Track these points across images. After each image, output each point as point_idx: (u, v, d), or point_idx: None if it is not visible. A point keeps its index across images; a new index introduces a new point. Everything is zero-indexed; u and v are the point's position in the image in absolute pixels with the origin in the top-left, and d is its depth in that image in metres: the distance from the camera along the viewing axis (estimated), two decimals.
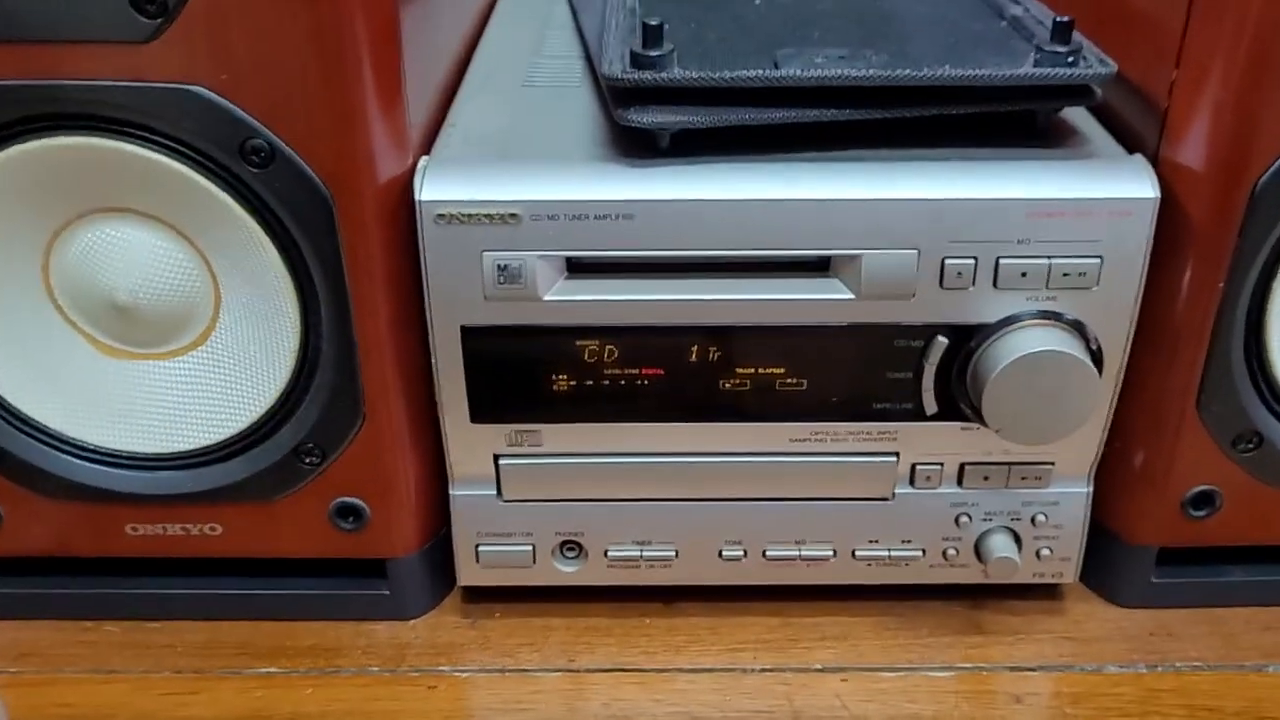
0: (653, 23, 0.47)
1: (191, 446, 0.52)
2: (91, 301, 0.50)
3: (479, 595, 0.58)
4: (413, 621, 0.57)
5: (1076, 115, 0.52)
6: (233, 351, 0.51)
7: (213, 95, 0.44)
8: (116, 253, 0.48)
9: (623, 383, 0.51)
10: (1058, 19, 0.48)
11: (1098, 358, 0.50)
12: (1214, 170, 0.47)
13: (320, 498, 0.53)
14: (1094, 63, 0.48)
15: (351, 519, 0.53)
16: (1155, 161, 0.49)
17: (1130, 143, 0.50)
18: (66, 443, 0.52)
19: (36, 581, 0.57)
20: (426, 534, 0.56)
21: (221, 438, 0.52)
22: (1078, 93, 0.49)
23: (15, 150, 0.46)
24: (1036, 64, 0.48)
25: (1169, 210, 0.48)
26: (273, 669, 0.54)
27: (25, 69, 0.44)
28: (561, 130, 0.52)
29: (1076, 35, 0.48)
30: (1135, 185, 0.47)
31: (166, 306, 0.49)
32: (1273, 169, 0.46)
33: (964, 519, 0.54)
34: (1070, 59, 0.48)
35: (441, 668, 0.54)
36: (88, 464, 0.52)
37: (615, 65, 0.47)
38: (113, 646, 0.55)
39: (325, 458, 0.51)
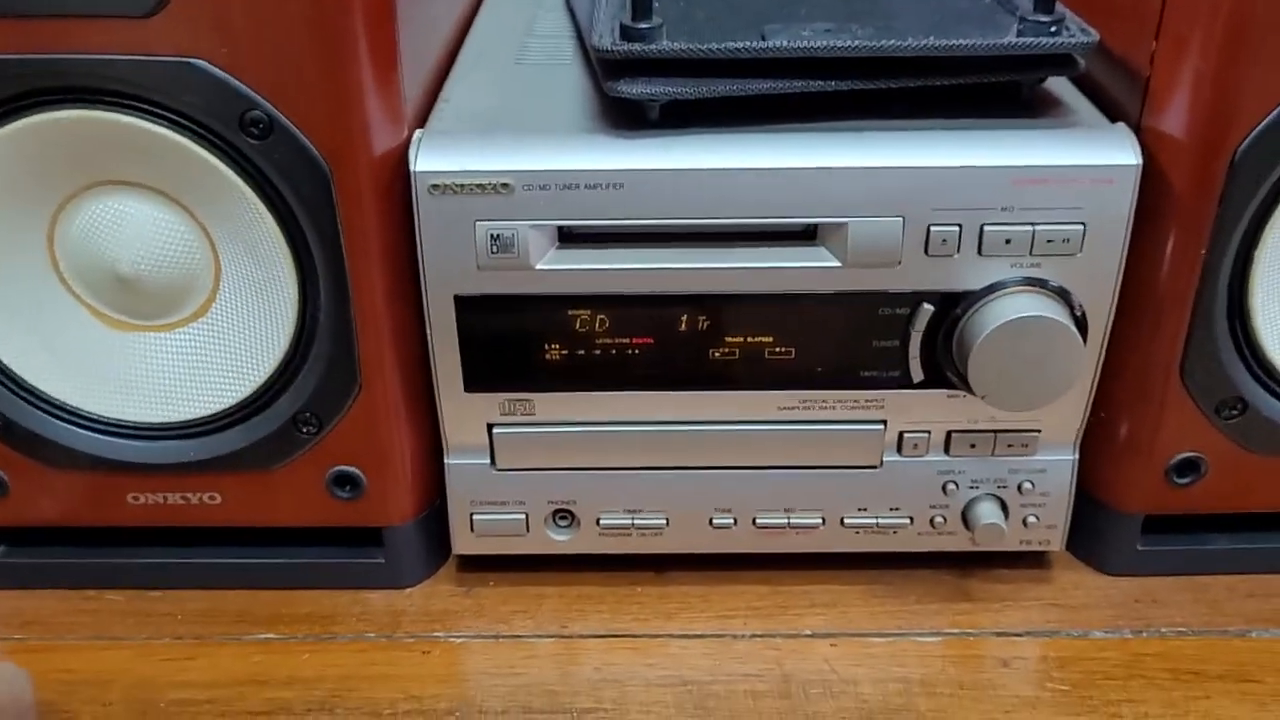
0: None
1: (192, 416, 0.53)
2: (95, 273, 0.51)
3: (473, 564, 0.59)
4: (408, 590, 0.58)
5: (1060, 86, 0.53)
6: (232, 322, 0.51)
7: (213, 68, 0.45)
8: (119, 225, 0.49)
9: (614, 352, 0.52)
10: None
11: (1082, 324, 0.50)
12: (1195, 139, 0.48)
13: (317, 467, 0.54)
14: (1076, 32, 0.49)
15: (348, 488, 0.54)
16: (1138, 130, 0.49)
17: (1113, 112, 0.51)
18: (70, 413, 0.53)
19: (40, 551, 0.58)
20: (422, 503, 0.57)
21: (221, 407, 0.53)
22: (1061, 62, 0.49)
23: (20, 124, 0.47)
24: (1020, 34, 0.48)
25: (1151, 178, 0.49)
26: (270, 635, 0.55)
27: (29, 43, 0.45)
28: (553, 104, 0.53)
29: (1059, 6, 0.49)
30: (1118, 153, 0.48)
31: (168, 278, 0.50)
32: (1252, 137, 0.47)
33: (951, 487, 0.55)
34: (1053, 29, 0.48)
35: (436, 634, 0.55)
36: (91, 434, 0.53)
37: (605, 38, 0.48)
38: (114, 614, 0.56)
39: (322, 427, 0.52)
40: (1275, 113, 0.47)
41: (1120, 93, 0.51)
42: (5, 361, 0.52)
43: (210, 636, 0.55)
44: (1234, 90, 0.46)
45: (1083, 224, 0.48)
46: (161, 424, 0.53)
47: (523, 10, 0.67)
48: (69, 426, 0.53)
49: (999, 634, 0.55)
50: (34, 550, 0.58)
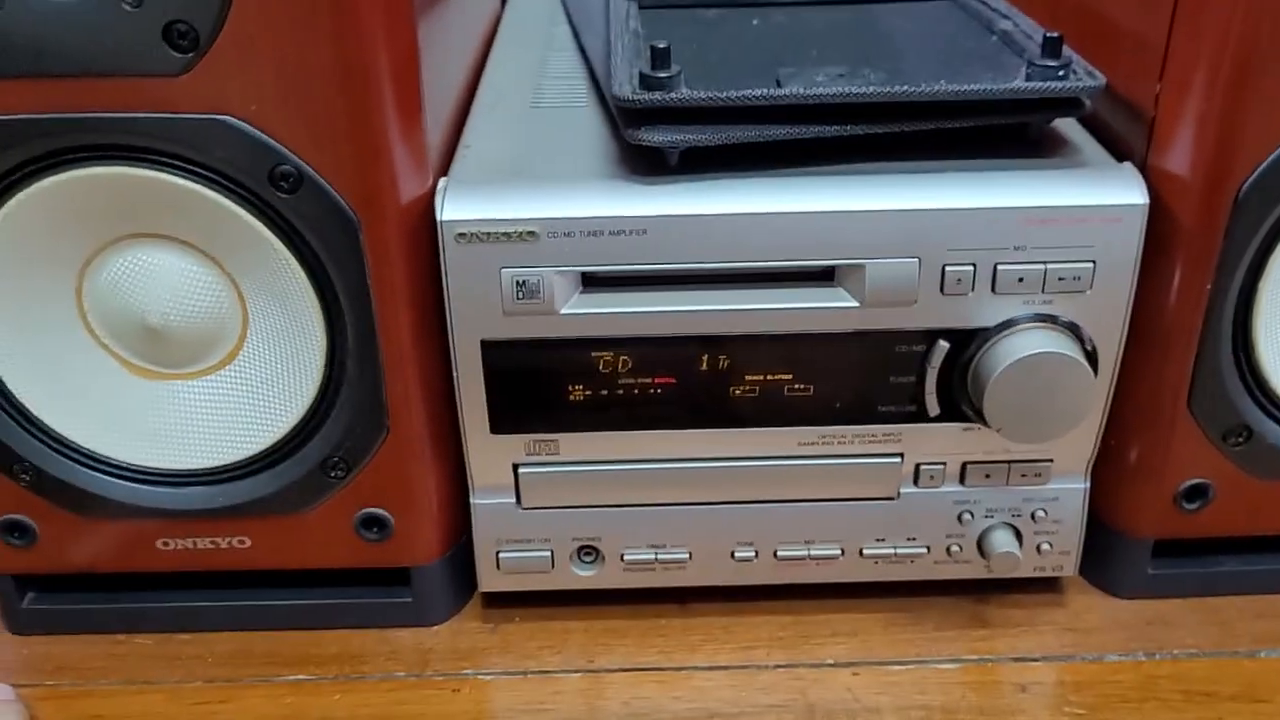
0: (660, 45, 0.49)
1: (220, 463, 0.54)
2: (123, 324, 0.51)
3: (499, 601, 0.59)
4: (435, 628, 0.59)
5: (1067, 126, 0.55)
6: (260, 370, 0.52)
7: (243, 124, 0.46)
8: (148, 277, 0.50)
9: (636, 392, 0.53)
10: (1048, 34, 0.50)
11: (1093, 358, 0.52)
12: (1200, 177, 0.49)
13: (346, 509, 0.54)
14: (1083, 75, 0.50)
15: (376, 529, 0.55)
16: (1144, 169, 0.51)
17: (1119, 151, 0.53)
18: (99, 461, 0.54)
19: (69, 597, 0.58)
20: (448, 542, 0.57)
21: (249, 454, 0.53)
22: (1068, 104, 0.51)
23: (50, 181, 0.47)
24: (1028, 78, 0.50)
25: (1158, 216, 0.50)
26: (301, 676, 0.56)
27: (59, 103, 0.46)
28: (572, 149, 0.54)
29: (1066, 49, 0.51)
30: (1125, 192, 0.49)
31: (196, 328, 0.51)
32: (1255, 175, 0.48)
33: (967, 516, 0.56)
34: (1061, 72, 0.50)
35: (465, 671, 0.56)
36: (120, 481, 0.54)
37: (625, 87, 0.49)
38: (145, 659, 0.57)
39: (351, 470, 0.53)
40: (1278, 151, 0.48)
41: (1126, 132, 0.53)
42: (34, 411, 0.53)
43: (241, 679, 0.56)
44: (1237, 129, 0.48)
45: (1092, 262, 0.50)
46: (190, 470, 0.54)
47: (533, 51, 0.68)
48: (98, 475, 0.54)
49: (1016, 659, 0.56)
50: (63, 596, 0.58)
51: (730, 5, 0.64)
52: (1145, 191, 0.49)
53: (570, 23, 0.72)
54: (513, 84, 0.63)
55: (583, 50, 0.66)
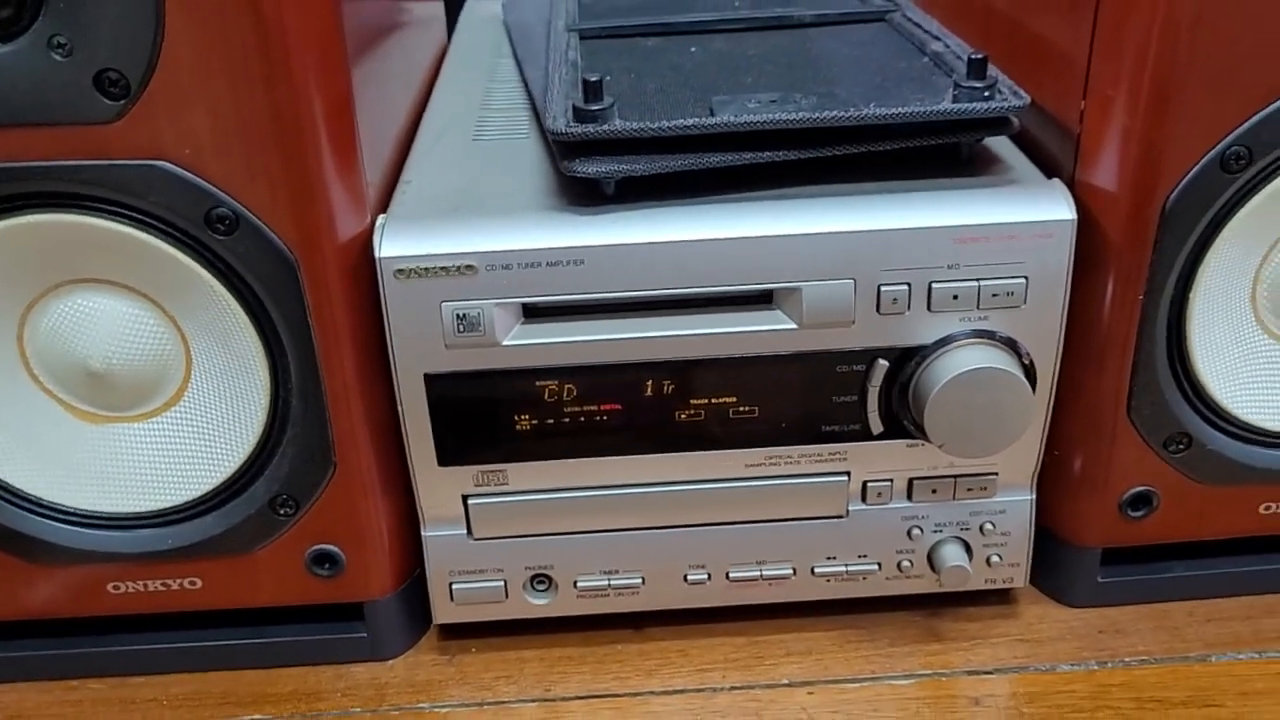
0: (592, 79, 0.50)
1: (168, 504, 0.54)
2: (66, 369, 0.51)
3: (454, 632, 0.59)
4: (391, 662, 0.58)
5: (998, 144, 0.55)
6: (205, 410, 0.52)
7: (177, 169, 0.46)
8: (89, 322, 0.50)
9: (583, 419, 0.53)
10: (973, 56, 0.51)
11: (1031, 372, 0.52)
12: (1126, 191, 0.50)
13: (296, 547, 0.54)
14: (1009, 95, 0.51)
15: (327, 565, 0.55)
16: (1072, 184, 0.52)
17: (1048, 166, 0.53)
18: (46, 508, 0.54)
19: (18, 644, 0.58)
20: (401, 576, 0.57)
21: (197, 494, 0.53)
22: (995, 124, 0.52)
23: None
24: (955, 99, 0.51)
25: (1088, 230, 0.51)
26: (257, 715, 0.56)
27: None
28: (512, 182, 0.54)
29: (991, 70, 0.52)
30: (1054, 209, 0.50)
31: (139, 371, 0.51)
32: (1180, 187, 0.49)
33: (916, 531, 0.57)
34: (986, 93, 0.50)
35: (421, 705, 0.56)
36: (68, 527, 0.54)
37: (559, 120, 0.50)
38: (98, 703, 0.57)
39: (299, 508, 0.53)
40: (1201, 163, 0.49)
41: (1054, 148, 0.54)
42: None
43: None
44: (1160, 144, 0.49)
45: (1025, 277, 0.50)
46: (138, 513, 0.54)
47: (477, 83, 0.69)
48: (46, 521, 0.54)
49: (970, 672, 0.57)
50: (13, 644, 0.58)
51: (670, 33, 0.65)
52: (1073, 207, 0.50)
53: (514, 54, 0.73)
54: (455, 117, 0.63)
55: (525, 82, 0.67)
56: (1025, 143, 0.56)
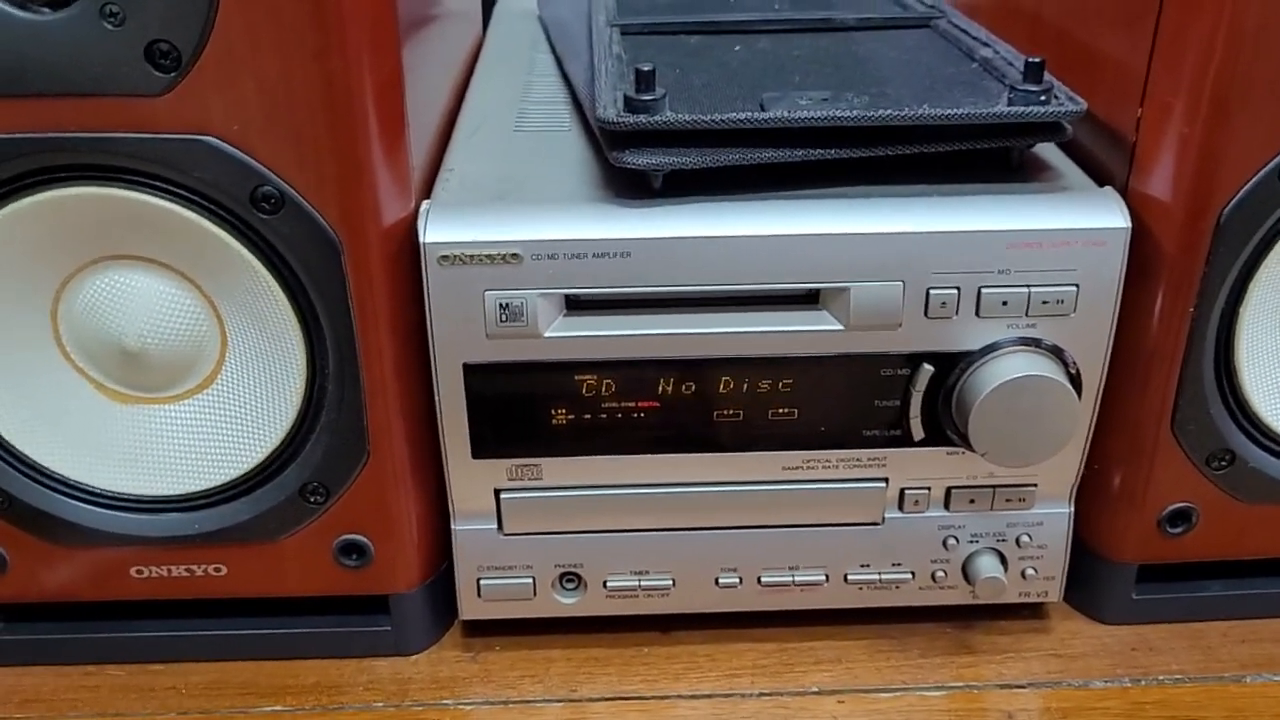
0: (645, 69, 0.49)
1: (197, 488, 0.53)
2: (99, 347, 0.51)
3: (480, 629, 0.58)
4: (415, 657, 0.58)
5: (1048, 151, 0.55)
6: (239, 394, 0.52)
7: (224, 145, 0.45)
8: (124, 299, 0.49)
9: (620, 416, 0.52)
10: (1029, 60, 0.51)
11: (1077, 381, 0.52)
12: (1181, 201, 0.49)
13: (324, 536, 0.54)
14: (1065, 101, 0.50)
15: (355, 556, 0.54)
16: (1125, 193, 0.51)
17: (1101, 176, 0.53)
18: (72, 487, 0.53)
19: (39, 627, 0.57)
20: (428, 569, 0.57)
21: (227, 479, 0.53)
22: (1050, 129, 0.51)
23: (28, 201, 0.47)
24: (1011, 103, 0.50)
25: (1140, 240, 0.50)
26: (278, 707, 0.55)
27: (40, 122, 0.45)
28: (555, 172, 0.54)
29: (1047, 75, 0.51)
30: (1107, 216, 0.50)
31: (173, 351, 0.51)
32: (1236, 199, 0.49)
33: (951, 541, 0.56)
34: (1043, 97, 0.50)
35: (445, 701, 0.55)
36: (94, 508, 0.53)
37: (609, 110, 0.49)
38: (116, 690, 0.56)
39: (330, 496, 0.52)
40: (1259, 175, 0.48)
41: (1107, 157, 0.53)
42: (7, 436, 0.52)
43: (216, 710, 0.54)
44: (1218, 154, 0.48)
45: (1075, 285, 0.50)
46: (166, 497, 0.53)
47: (516, 75, 0.68)
48: (72, 502, 0.53)
49: (1002, 686, 0.56)
50: (33, 626, 0.57)
51: (713, 32, 0.65)
52: (1127, 215, 0.50)
53: (552, 48, 0.73)
54: (495, 108, 0.63)
55: (565, 75, 0.66)
56: (1075, 151, 0.55)
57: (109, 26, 0.43)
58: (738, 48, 0.62)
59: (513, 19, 0.82)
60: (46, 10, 0.43)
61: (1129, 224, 0.49)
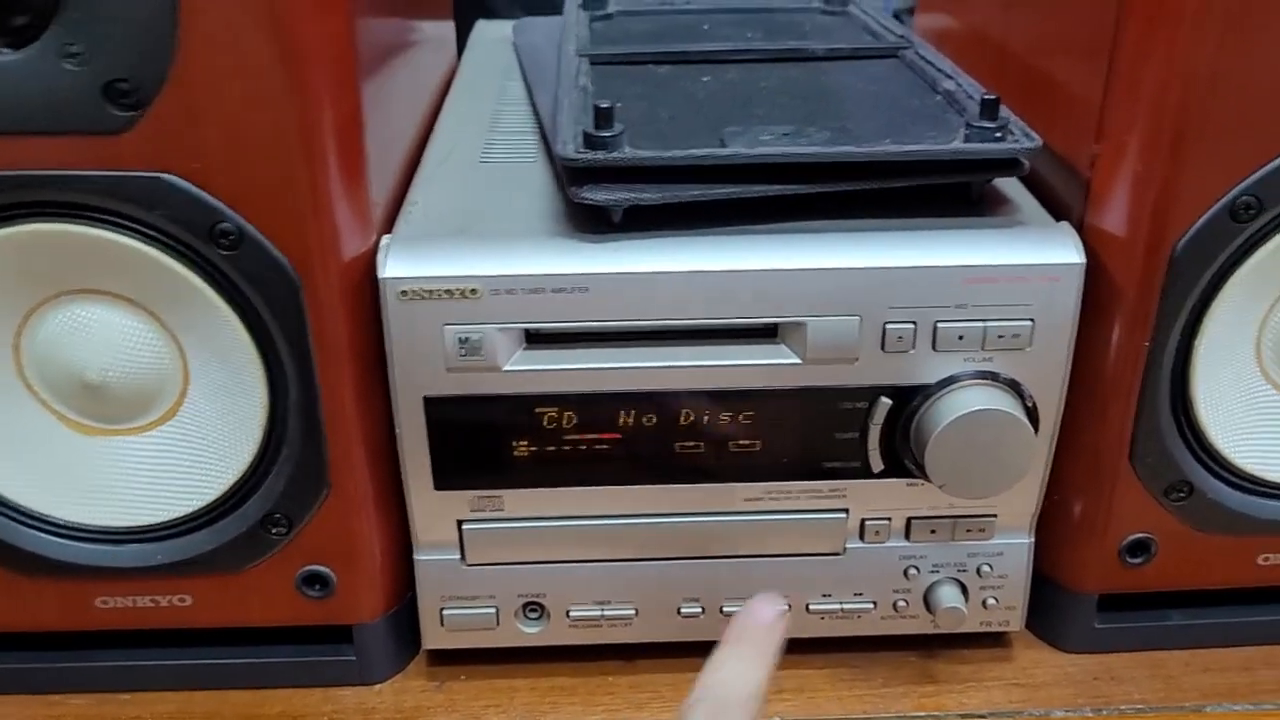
0: (604, 105, 0.49)
1: (160, 519, 0.53)
2: (62, 380, 0.51)
3: (444, 658, 0.59)
4: (379, 686, 0.58)
5: (1008, 184, 0.55)
6: (201, 426, 0.52)
7: (184, 183, 0.46)
8: (86, 333, 0.50)
9: (581, 448, 0.53)
10: (985, 96, 0.51)
11: (1033, 415, 0.52)
12: (1136, 236, 0.50)
13: (287, 567, 0.54)
14: (1020, 137, 0.51)
15: (318, 586, 0.54)
16: (1081, 227, 0.52)
17: (1059, 209, 0.53)
18: (36, 519, 0.53)
19: (3, 657, 0.57)
20: (392, 599, 0.57)
21: (190, 510, 0.53)
22: (1006, 165, 0.51)
23: None
24: (967, 139, 0.51)
25: (1095, 274, 0.51)
26: None
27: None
28: (518, 206, 0.54)
29: (1003, 111, 0.51)
30: (1062, 252, 0.50)
31: (136, 384, 0.51)
32: (1190, 234, 0.49)
33: (913, 571, 0.57)
34: (998, 134, 0.50)
35: None
36: (58, 539, 0.53)
37: (569, 146, 0.50)
38: None
39: (292, 527, 0.53)
40: (1211, 211, 0.49)
41: (1064, 191, 0.54)
42: None
43: None
44: (1171, 191, 0.49)
45: (1031, 320, 0.50)
46: (129, 528, 0.53)
47: (486, 104, 0.69)
48: (35, 533, 0.53)
49: (963, 715, 0.56)
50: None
51: (681, 62, 0.65)
52: (1082, 251, 0.50)
53: (524, 77, 0.73)
54: (464, 137, 0.63)
55: (534, 105, 0.67)
56: (1034, 184, 0.56)
57: (69, 66, 0.44)
58: (706, 78, 0.62)
59: (487, 45, 0.82)
60: (7, 50, 0.44)
61: (1083, 260, 0.50)
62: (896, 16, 0.86)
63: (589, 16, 0.75)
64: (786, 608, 0.46)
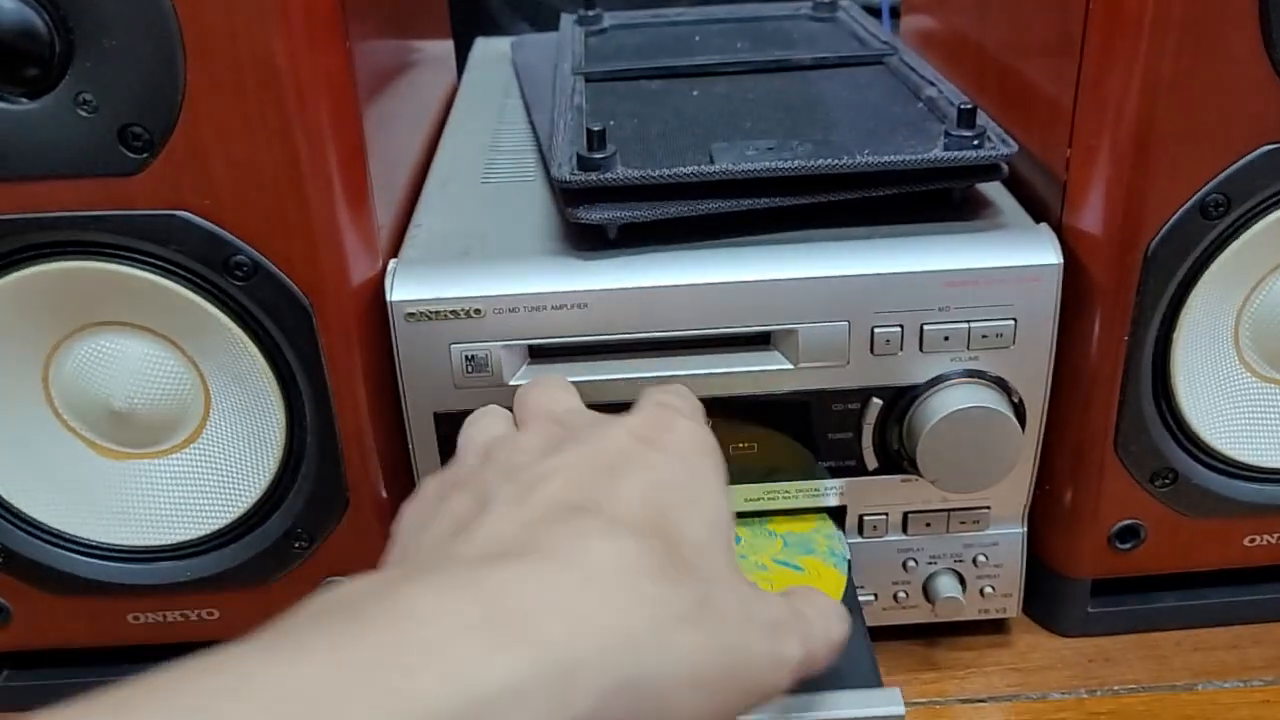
0: (596, 128, 0.52)
1: (187, 538, 0.55)
2: (89, 408, 0.53)
3: None
4: None
5: (990, 187, 0.57)
6: (223, 448, 0.54)
7: (197, 219, 0.48)
8: (111, 363, 0.52)
9: None
10: (962, 105, 0.53)
11: (1020, 410, 0.54)
12: (1111, 236, 0.52)
13: (310, 579, 0.56)
14: (997, 144, 0.53)
15: None
16: (1059, 228, 0.54)
17: (1038, 210, 0.55)
18: (68, 540, 0.55)
19: (43, 674, 0.60)
20: None
21: (214, 528, 0.55)
22: (985, 171, 0.53)
23: (13, 277, 0.50)
24: (945, 147, 0.52)
25: (1074, 272, 0.53)
26: None
27: (20, 204, 0.48)
28: (518, 225, 0.56)
29: (981, 118, 0.53)
30: (1040, 254, 0.52)
31: (159, 410, 0.53)
32: (1162, 233, 0.51)
33: (911, 563, 0.59)
34: (976, 142, 0.52)
35: None
36: (89, 559, 0.56)
37: (564, 168, 0.52)
38: None
39: (314, 542, 0.55)
40: (1182, 210, 0.51)
41: (1043, 191, 0.56)
42: (4, 494, 0.55)
43: None
44: (1142, 192, 0.50)
45: (1013, 319, 0.52)
46: (157, 546, 0.56)
47: (486, 124, 0.71)
48: (68, 554, 0.56)
49: (964, 701, 0.58)
50: (37, 673, 0.60)
51: (672, 76, 0.67)
52: (1059, 252, 0.52)
53: (522, 96, 0.75)
54: (465, 158, 0.65)
55: (533, 124, 0.69)
56: (1017, 185, 0.58)
57: (83, 114, 0.46)
58: (695, 92, 0.64)
59: (487, 64, 0.84)
60: (24, 100, 0.46)
61: (1060, 260, 0.52)
62: (894, 14, 0.87)
63: (584, 32, 0.77)
64: None
